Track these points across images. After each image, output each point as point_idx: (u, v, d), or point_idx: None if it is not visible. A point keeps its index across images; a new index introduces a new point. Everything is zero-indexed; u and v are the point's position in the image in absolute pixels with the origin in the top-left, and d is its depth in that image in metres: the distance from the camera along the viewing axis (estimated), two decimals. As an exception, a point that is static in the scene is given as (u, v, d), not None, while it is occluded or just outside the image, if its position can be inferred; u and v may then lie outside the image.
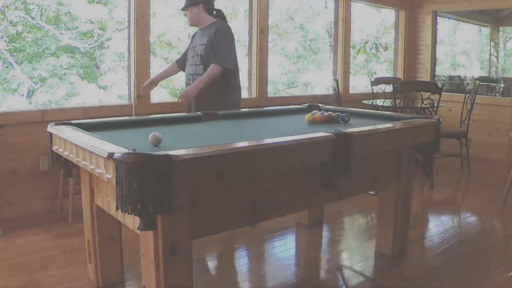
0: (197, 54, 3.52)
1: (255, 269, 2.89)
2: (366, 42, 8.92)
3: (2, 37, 6.22)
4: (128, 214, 1.62)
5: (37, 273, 2.64)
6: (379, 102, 5.40)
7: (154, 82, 3.75)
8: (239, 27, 7.17)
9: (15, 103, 6.31)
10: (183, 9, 3.60)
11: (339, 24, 5.81)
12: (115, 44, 7.02)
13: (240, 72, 3.68)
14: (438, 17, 6.62)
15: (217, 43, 3.41)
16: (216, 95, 3.43)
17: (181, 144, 1.95)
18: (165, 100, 6.34)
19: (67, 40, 6.65)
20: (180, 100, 3.46)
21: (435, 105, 4.70)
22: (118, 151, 1.67)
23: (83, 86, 6.87)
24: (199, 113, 2.97)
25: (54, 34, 6.57)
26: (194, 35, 3.72)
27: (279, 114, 3.32)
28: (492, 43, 9.28)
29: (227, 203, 1.97)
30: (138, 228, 1.68)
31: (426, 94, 4.70)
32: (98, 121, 2.56)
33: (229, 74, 3.47)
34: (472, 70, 10.28)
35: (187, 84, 3.58)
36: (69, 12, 6.66)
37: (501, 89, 7.43)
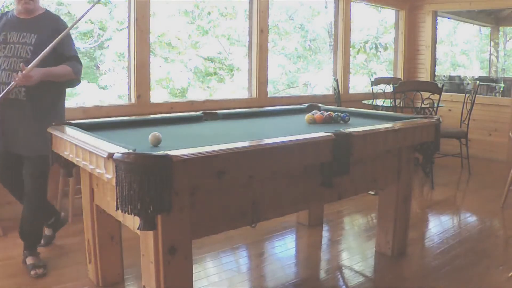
0: (19, 56, 2.54)
1: (255, 269, 2.89)
2: (366, 42, 8.92)
3: (2, 37, 6.21)
4: (128, 214, 1.62)
5: (37, 273, 2.63)
6: (379, 102, 5.40)
7: None
8: (239, 27, 7.21)
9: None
10: None
11: (339, 24, 5.81)
12: (115, 44, 7.02)
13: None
14: (438, 17, 6.62)
15: (67, 48, 2.66)
16: (48, 103, 2.66)
17: (181, 144, 1.95)
18: (165, 100, 6.37)
19: (67, 40, 6.63)
20: (16, 80, 2.41)
21: (435, 105, 4.70)
22: (118, 151, 1.67)
23: (83, 86, 6.86)
24: (199, 113, 2.97)
25: (54, 34, 6.56)
26: (3, 22, 2.63)
27: (279, 114, 3.32)
28: (492, 43, 9.28)
29: (227, 203, 1.97)
30: (138, 228, 1.69)
31: (426, 94, 4.70)
32: (98, 121, 2.57)
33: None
34: (472, 70, 10.26)
35: None
36: (69, 12, 6.66)
37: (501, 89, 7.43)
